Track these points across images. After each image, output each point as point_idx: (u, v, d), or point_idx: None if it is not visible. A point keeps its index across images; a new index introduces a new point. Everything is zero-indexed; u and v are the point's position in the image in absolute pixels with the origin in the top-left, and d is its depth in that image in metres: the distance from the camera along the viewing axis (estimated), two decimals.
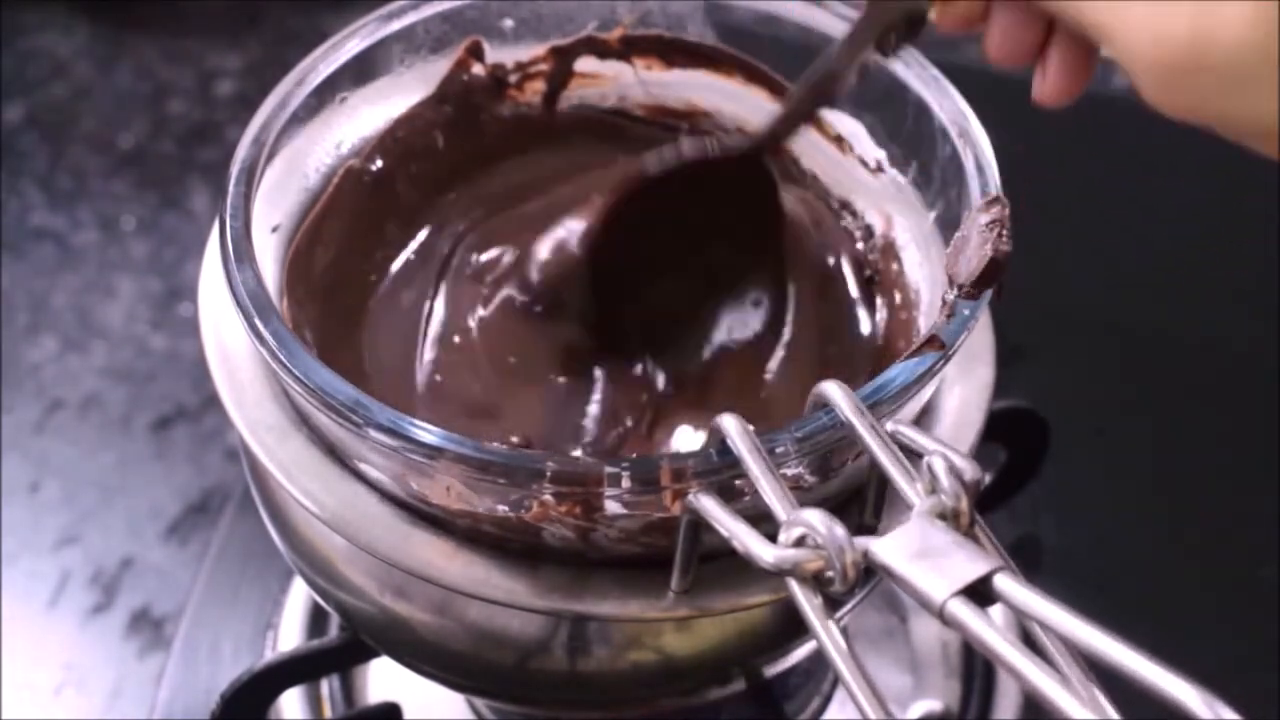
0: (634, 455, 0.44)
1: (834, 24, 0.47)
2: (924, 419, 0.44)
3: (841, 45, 0.45)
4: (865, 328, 0.49)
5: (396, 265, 0.50)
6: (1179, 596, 0.64)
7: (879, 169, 0.49)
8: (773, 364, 0.48)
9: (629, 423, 0.46)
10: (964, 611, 0.30)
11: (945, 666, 0.60)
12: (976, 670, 0.60)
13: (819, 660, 0.56)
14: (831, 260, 0.50)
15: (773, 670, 0.47)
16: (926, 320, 0.45)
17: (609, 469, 0.37)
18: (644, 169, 0.46)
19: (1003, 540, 0.34)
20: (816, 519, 0.33)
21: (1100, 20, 0.32)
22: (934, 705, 0.59)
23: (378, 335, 0.48)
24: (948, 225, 0.44)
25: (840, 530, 0.33)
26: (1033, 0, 0.35)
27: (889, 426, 0.37)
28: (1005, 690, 0.59)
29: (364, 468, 0.41)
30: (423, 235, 0.51)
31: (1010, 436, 0.58)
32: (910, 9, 0.43)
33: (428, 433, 0.37)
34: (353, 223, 0.49)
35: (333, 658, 0.51)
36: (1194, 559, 0.65)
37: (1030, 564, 0.60)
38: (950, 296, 0.40)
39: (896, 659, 0.60)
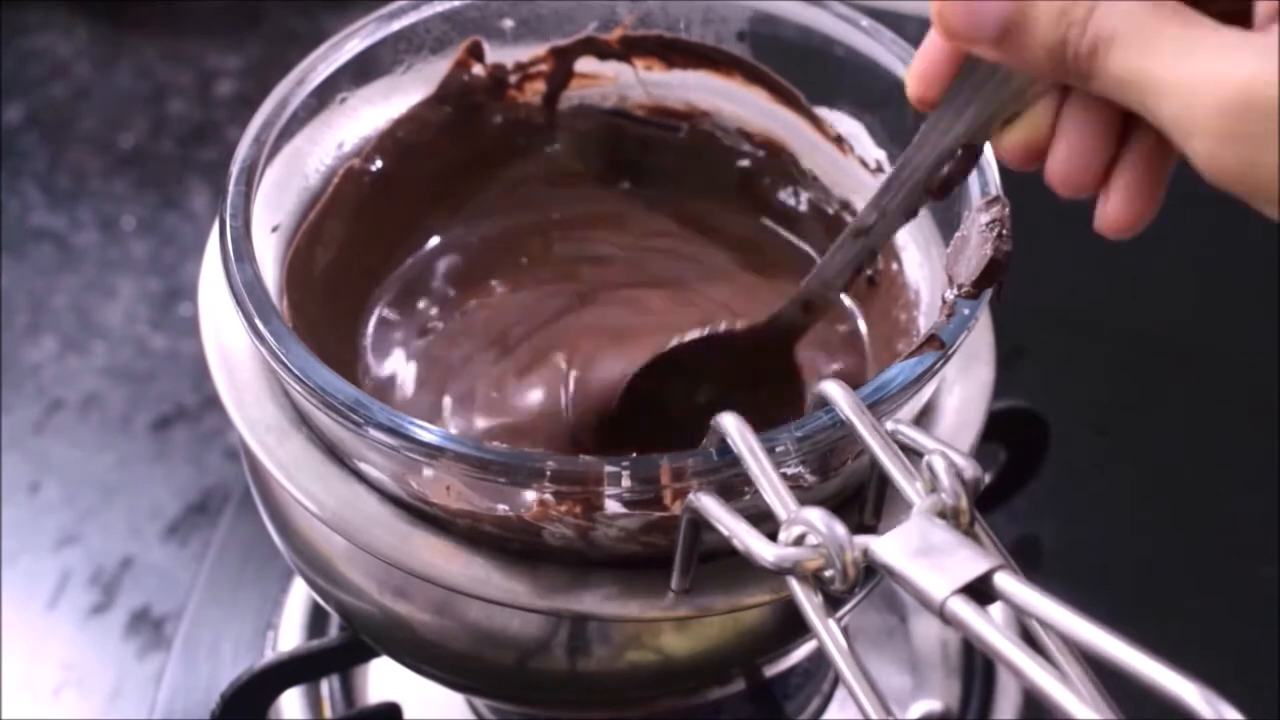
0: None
1: (834, 24, 0.47)
2: (924, 419, 0.44)
3: (885, 184, 0.40)
4: None
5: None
6: (1179, 596, 0.64)
7: (879, 169, 0.49)
8: None
9: None
10: (964, 609, 0.30)
11: (945, 666, 0.60)
12: (976, 670, 0.60)
13: (819, 660, 0.56)
14: None
15: (773, 670, 0.47)
16: (926, 320, 0.45)
17: (609, 468, 0.37)
18: (669, 344, 0.46)
19: (1003, 540, 0.34)
20: (817, 518, 0.33)
21: (1159, 76, 0.30)
22: (934, 705, 0.59)
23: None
24: (948, 225, 0.44)
25: (840, 528, 0.33)
26: (1090, 83, 0.33)
27: (889, 426, 0.37)
28: (1005, 690, 0.59)
29: (364, 468, 0.41)
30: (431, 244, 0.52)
31: (1010, 436, 0.58)
32: (971, 134, 0.37)
33: (428, 432, 0.37)
34: (353, 223, 0.49)
35: (333, 658, 0.51)
36: (1194, 559, 0.65)
37: (1030, 564, 0.60)
38: (950, 296, 0.40)
39: (896, 659, 0.60)
